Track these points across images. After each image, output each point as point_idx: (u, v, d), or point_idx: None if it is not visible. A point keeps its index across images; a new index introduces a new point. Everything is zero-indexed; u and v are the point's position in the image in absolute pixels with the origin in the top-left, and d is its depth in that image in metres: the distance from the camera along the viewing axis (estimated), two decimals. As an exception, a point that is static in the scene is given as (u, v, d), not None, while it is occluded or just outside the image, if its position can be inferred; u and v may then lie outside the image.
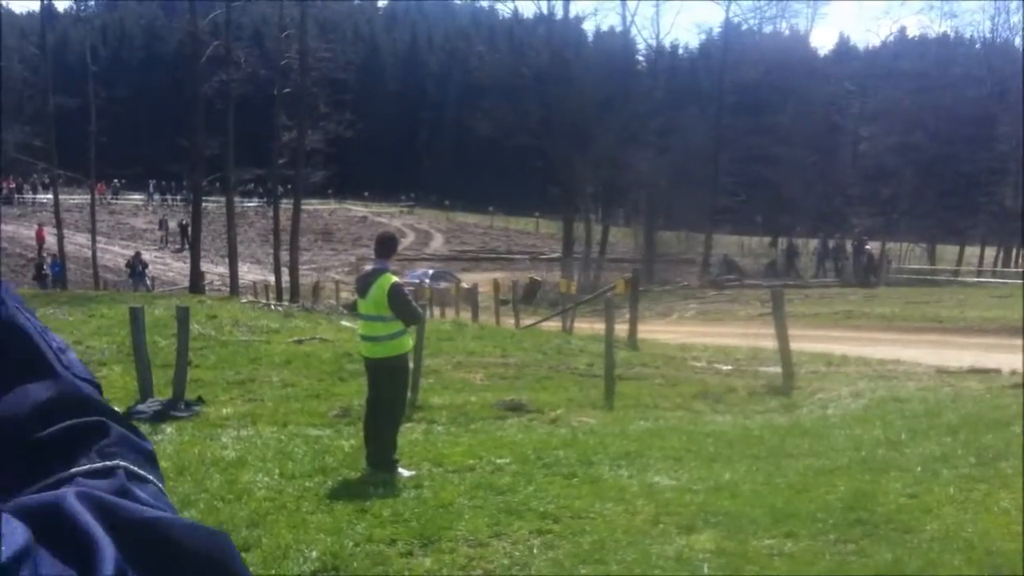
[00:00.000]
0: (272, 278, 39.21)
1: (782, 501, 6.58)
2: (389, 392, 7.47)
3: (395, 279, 7.44)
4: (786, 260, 46.11)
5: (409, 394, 9.03)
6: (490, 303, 27.69)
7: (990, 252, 57.01)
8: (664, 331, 22.88)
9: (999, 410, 10.21)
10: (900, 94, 54.16)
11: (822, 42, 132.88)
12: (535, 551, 5.69)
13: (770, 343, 13.60)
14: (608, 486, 7.04)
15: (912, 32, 68.25)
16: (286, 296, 35.06)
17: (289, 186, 42.35)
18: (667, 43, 64.60)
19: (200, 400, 10.52)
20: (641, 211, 54.31)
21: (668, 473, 7.45)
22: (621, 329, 17.40)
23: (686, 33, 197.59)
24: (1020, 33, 61.55)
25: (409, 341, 7.67)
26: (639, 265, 38.56)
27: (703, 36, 77.23)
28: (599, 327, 14.67)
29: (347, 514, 6.35)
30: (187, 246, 43.38)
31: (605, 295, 20.29)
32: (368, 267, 7.93)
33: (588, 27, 74.37)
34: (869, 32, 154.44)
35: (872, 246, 43.44)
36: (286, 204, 41.47)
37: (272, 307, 23.63)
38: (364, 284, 7.55)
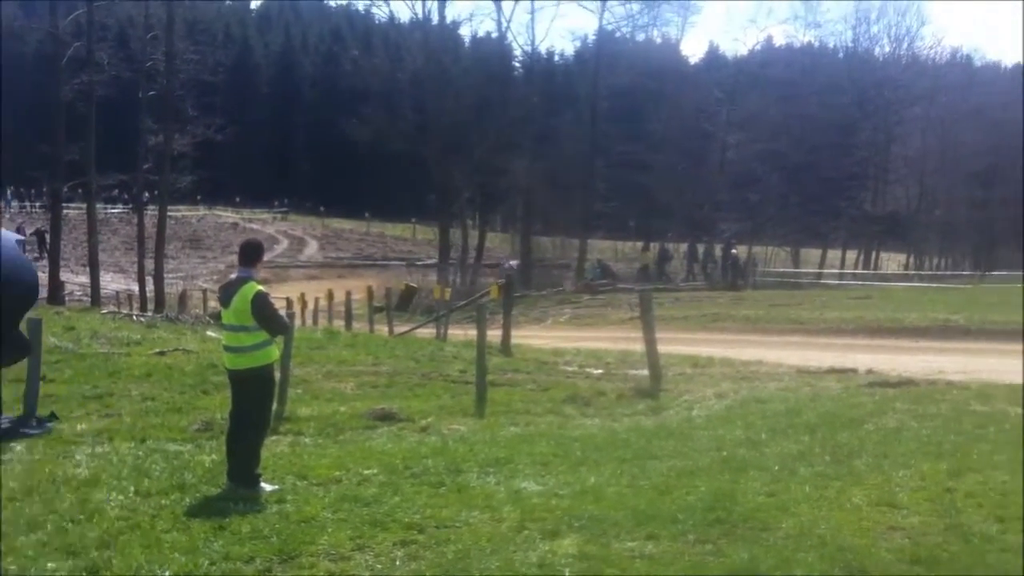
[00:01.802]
0: (136, 287, 37.99)
1: (645, 503, 6.71)
2: (253, 404, 7.29)
3: (260, 288, 7.25)
4: (658, 265, 47.08)
5: (276, 406, 8.87)
6: (364, 310, 27.43)
7: (851, 255, 59.55)
8: (538, 336, 23.05)
9: (855, 408, 10.64)
10: (767, 102, 56.05)
11: (693, 50, 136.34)
12: (398, 563, 5.65)
13: (639, 346, 13.85)
14: (475, 494, 7.05)
15: (779, 41, 70.54)
16: (150, 306, 33.98)
17: (155, 192, 41.10)
18: (543, 49, 65.26)
19: (53, 416, 10.06)
20: (517, 216, 54.73)
21: (535, 479, 7.51)
22: (495, 335, 17.45)
23: (561, 40, 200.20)
24: (880, 44, 64.23)
25: (275, 351, 7.50)
26: (513, 271, 38.84)
27: (577, 43, 78.18)
28: (473, 333, 14.68)
29: (204, 532, 6.17)
30: (45, 255, 41.63)
31: (479, 301, 20.35)
32: (232, 276, 7.72)
33: (464, 32, 74.54)
34: (737, 41, 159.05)
35: (739, 250, 44.73)
36: (152, 210, 40.21)
37: (135, 318, 22.83)
38: (227, 293, 7.34)
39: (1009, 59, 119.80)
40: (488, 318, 14.56)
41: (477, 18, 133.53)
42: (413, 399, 11.92)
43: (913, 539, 5.96)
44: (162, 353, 15.09)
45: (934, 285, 39.21)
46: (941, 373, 13.66)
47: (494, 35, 59.01)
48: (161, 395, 11.68)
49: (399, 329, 23.94)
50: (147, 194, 41.98)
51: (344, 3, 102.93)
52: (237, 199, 75.20)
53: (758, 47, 68.03)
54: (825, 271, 50.73)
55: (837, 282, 42.60)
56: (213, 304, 29.49)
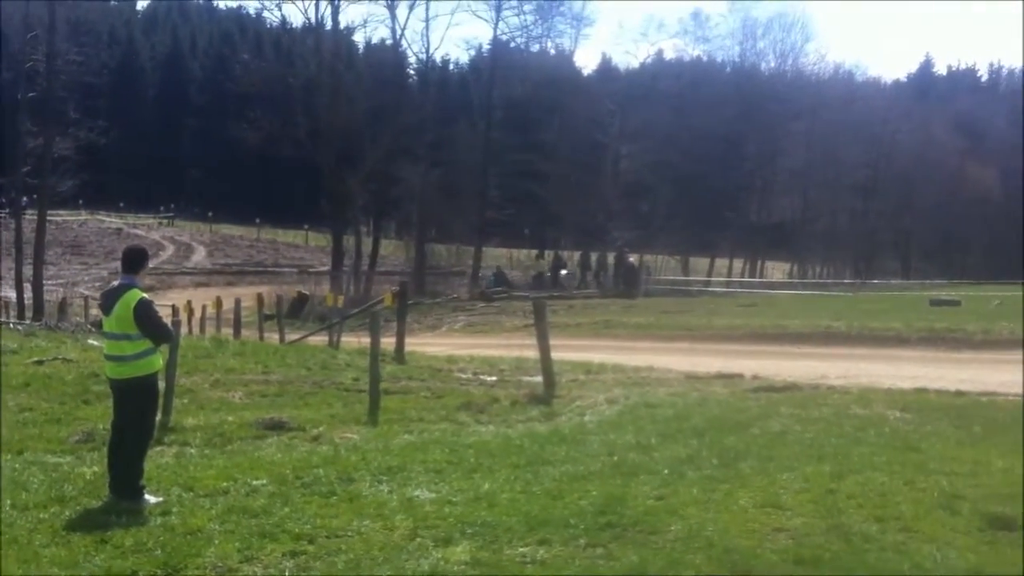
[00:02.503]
0: (13, 295, 36.54)
1: (538, 508, 6.75)
2: (136, 414, 7.15)
3: (143, 295, 7.09)
4: (552, 272, 47.50)
5: (160, 416, 8.71)
6: (254, 318, 26.93)
7: (738, 264, 61.13)
8: (432, 344, 23.00)
9: (741, 413, 10.92)
10: (657, 114, 57.18)
11: (586, 62, 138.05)
12: (287, 574, 5.56)
13: (534, 353, 13.95)
14: (367, 503, 6.98)
15: (669, 55, 71.82)
16: (28, 314, 32.70)
17: (34, 196, 39.61)
18: (437, 57, 65.14)
19: (-80, 429, 9.61)
20: (412, 224, 54.50)
21: (428, 486, 7.48)
22: (389, 343, 17.34)
23: (456, 48, 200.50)
24: (766, 59, 66.16)
25: (158, 360, 7.34)
26: (407, 278, 38.68)
27: (472, 52, 78.31)
28: (367, 341, 14.55)
29: (85, 546, 5.97)
30: (-85, 261, 39.72)
31: (372, 308, 20.18)
32: (115, 283, 7.50)
33: (358, 38, 73.81)
34: (628, 54, 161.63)
35: (632, 258, 45.43)
36: (31, 215, 38.73)
37: (12, 326, 21.96)
38: (109, 301, 7.17)
39: (888, 75, 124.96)
40: (382, 326, 14.47)
41: (371, 24, 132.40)
42: (304, 408, 11.76)
43: (797, 540, 6.12)
44: (40, 362, 14.56)
45: (817, 293, 40.50)
46: (823, 378, 14.14)
47: (388, 42, 58.63)
48: (39, 405, 11.27)
49: (290, 337, 23.55)
50: (26, 198, 40.39)
51: (234, 6, 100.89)
52: (121, 204, 73.02)
53: (649, 60, 69.40)
54: (713, 279, 51.99)
55: (724, 290, 43.65)
56: (95, 312, 28.55)
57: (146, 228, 68.19)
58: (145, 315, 6.98)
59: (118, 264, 8.70)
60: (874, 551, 5.90)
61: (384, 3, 50.24)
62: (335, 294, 27.81)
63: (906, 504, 6.85)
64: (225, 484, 7.50)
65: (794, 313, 25.77)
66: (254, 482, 7.56)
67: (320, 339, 22.70)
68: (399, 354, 17.72)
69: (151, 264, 9.04)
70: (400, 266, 53.24)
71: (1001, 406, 12.12)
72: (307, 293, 36.99)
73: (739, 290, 42.65)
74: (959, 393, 13.53)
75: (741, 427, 9.91)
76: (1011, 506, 6.70)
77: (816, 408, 11.06)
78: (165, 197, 76.92)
